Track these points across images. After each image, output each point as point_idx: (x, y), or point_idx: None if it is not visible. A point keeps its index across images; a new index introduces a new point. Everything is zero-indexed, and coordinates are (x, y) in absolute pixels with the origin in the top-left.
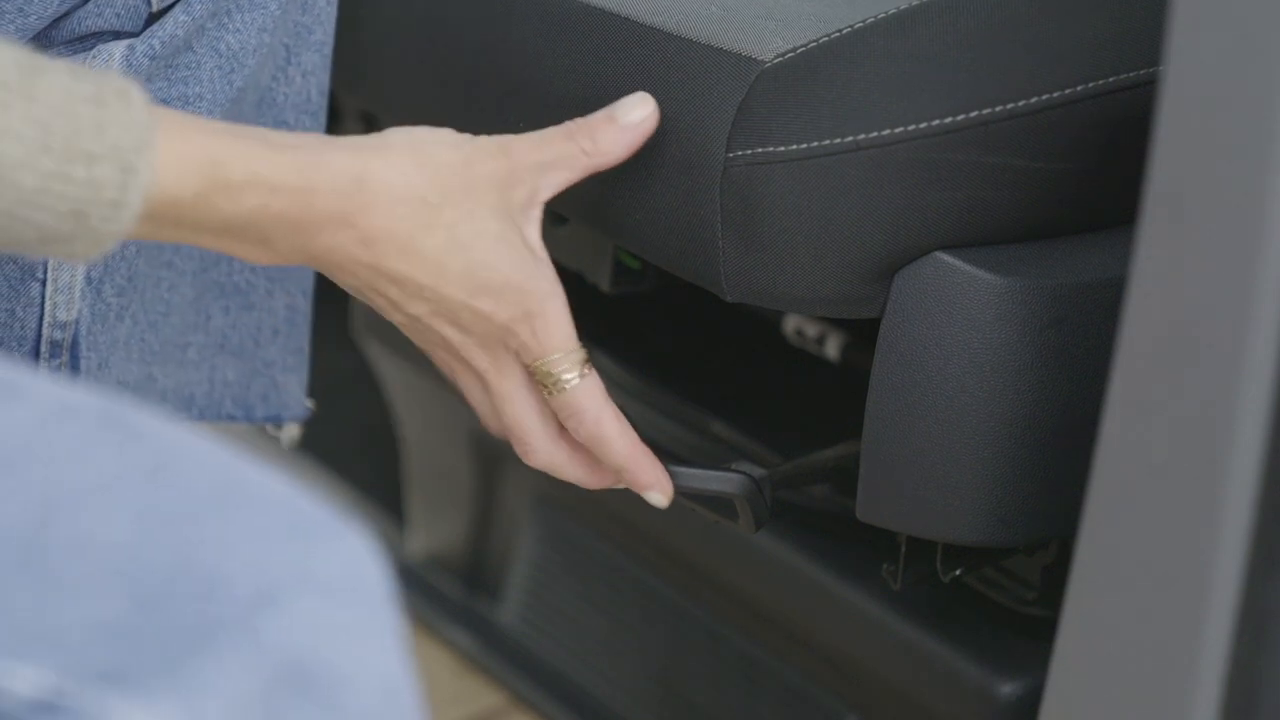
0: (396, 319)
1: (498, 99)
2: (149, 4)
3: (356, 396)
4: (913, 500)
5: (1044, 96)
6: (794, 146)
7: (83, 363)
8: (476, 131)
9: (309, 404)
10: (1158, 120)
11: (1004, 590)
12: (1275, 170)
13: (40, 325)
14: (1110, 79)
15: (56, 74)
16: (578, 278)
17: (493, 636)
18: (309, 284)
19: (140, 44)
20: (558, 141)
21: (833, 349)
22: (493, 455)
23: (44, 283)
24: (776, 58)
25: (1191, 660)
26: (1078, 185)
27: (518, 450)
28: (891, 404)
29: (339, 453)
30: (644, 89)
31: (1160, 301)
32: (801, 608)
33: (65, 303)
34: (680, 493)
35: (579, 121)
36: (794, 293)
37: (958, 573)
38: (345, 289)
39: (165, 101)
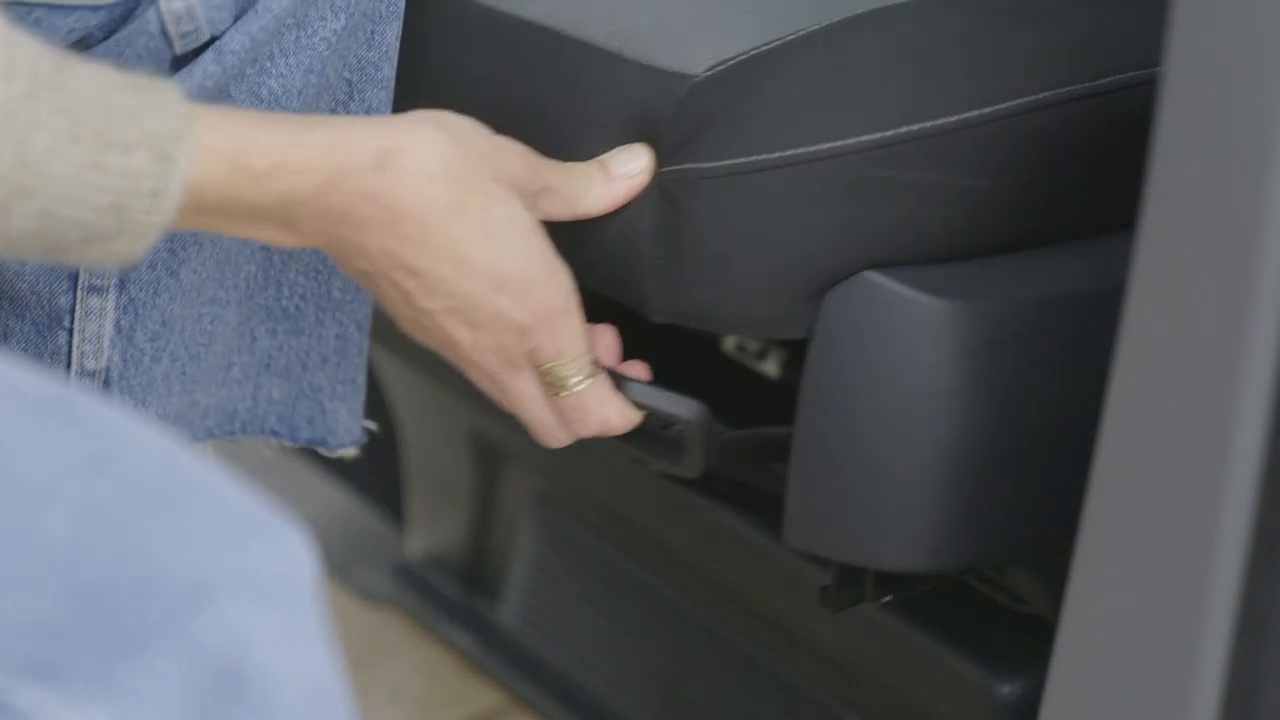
0: (404, 314)
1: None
2: (171, 47)
3: None
4: (841, 526)
5: (975, 112)
6: (722, 163)
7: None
8: None
9: (370, 426)
10: (1158, 122)
11: (1003, 590)
12: (1275, 172)
13: (68, 374)
14: (1044, 94)
15: (90, 66)
16: None
17: (493, 636)
18: (364, 315)
19: None
20: (567, 175)
21: (773, 365)
22: (493, 455)
23: (70, 331)
24: (706, 71)
25: (1191, 660)
26: (1012, 203)
27: (538, 439)
28: (819, 427)
29: None
30: (571, 103)
31: (1160, 301)
32: (801, 608)
33: (93, 352)
34: (638, 408)
35: (575, 165)
36: (722, 313)
37: (888, 599)
38: (354, 277)
39: None
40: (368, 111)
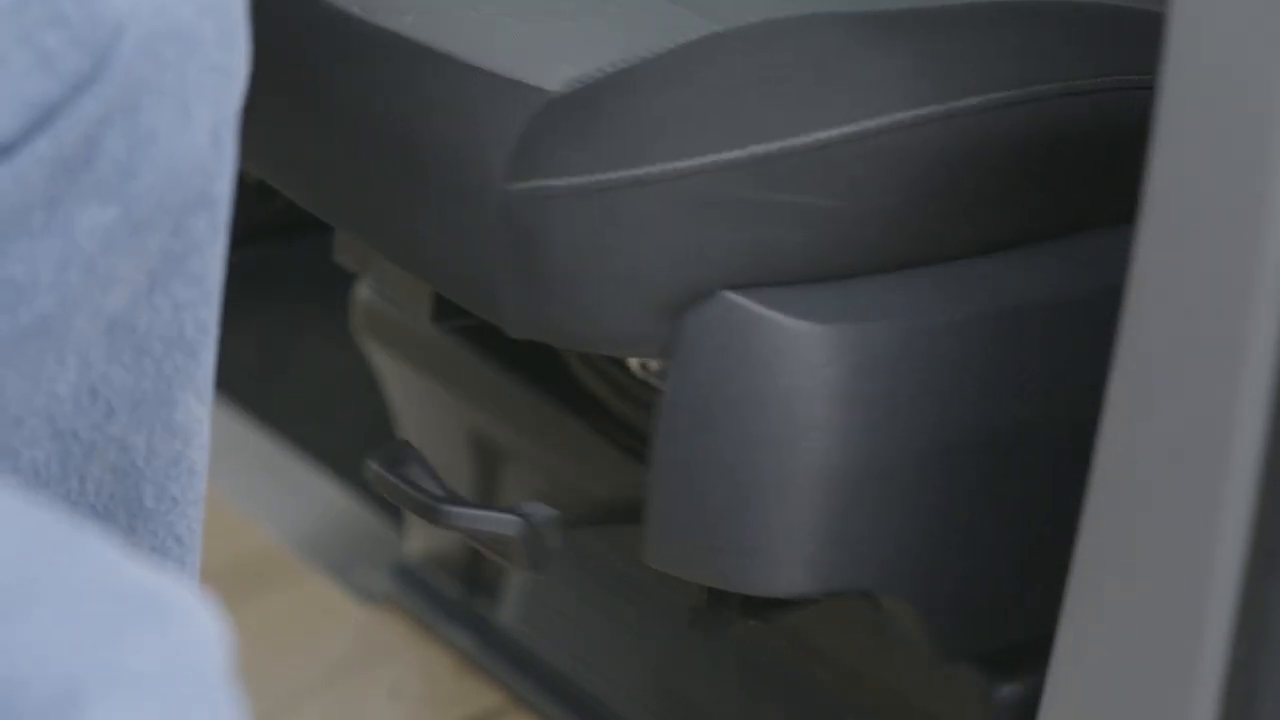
0: None
1: (289, 121)
2: None
3: (356, 396)
4: (704, 549)
5: (830, 133)
6: (575, 179)
7: None
8: (265, 150)
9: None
10: (1156, 125)
11: None
12: (1273, 176)
13: None
14: (902, 114)
15: None
16: (400, 313)
17: (492, 636)
18: (185, 529)
19: None
20: None
21: None
22: (493, 455)
23: None
24: (563, 87)
25: (1191, 660)
26: (874, 224)
27: None
28: (678, 449)
29: (339, 453)
30: (431, 115)
31: (1159, 302)
32: (801, 607)
33: None
34: (459, 532)
35: None
36: (579, 330)
37: (755, 623)
38: None
39: None
40: (175, 306)
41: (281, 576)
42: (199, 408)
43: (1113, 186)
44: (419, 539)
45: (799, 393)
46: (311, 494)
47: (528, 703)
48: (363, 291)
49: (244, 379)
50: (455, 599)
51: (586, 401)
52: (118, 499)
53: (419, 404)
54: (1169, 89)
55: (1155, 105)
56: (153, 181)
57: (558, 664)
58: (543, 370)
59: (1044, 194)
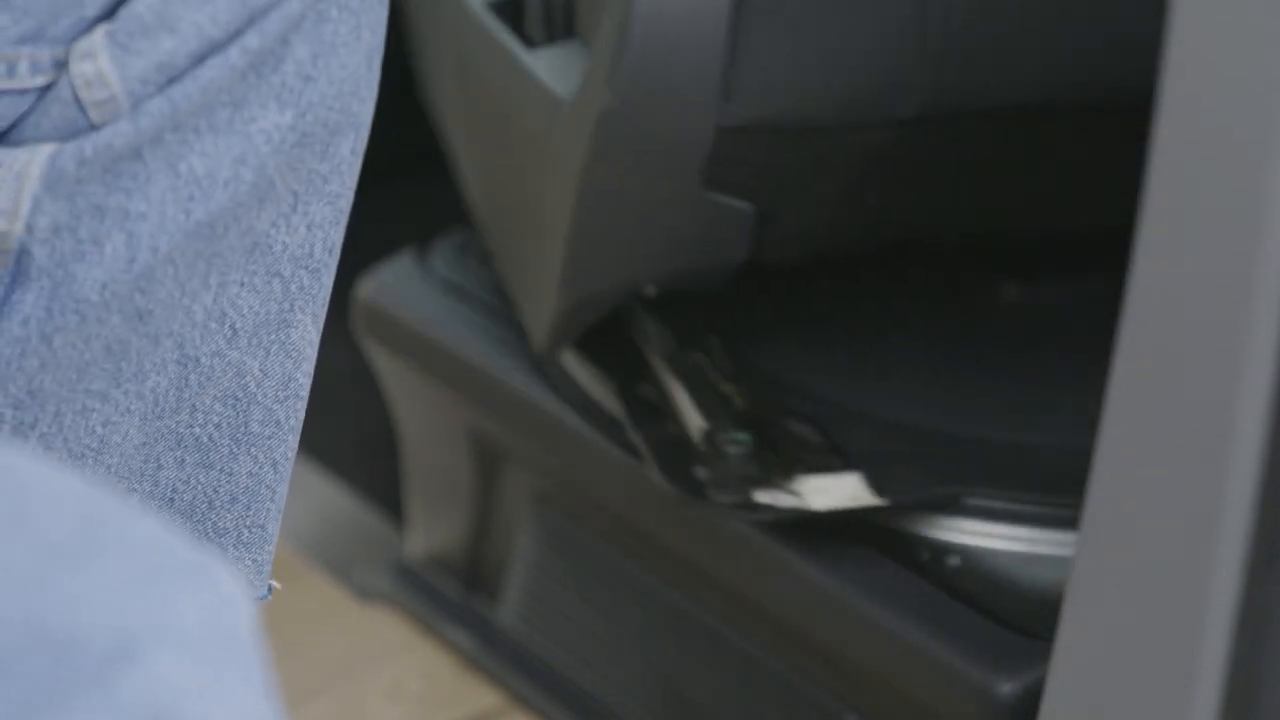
0: None
1: None
2: (87, 116)
3: (356, 396)
4: None
5: None
6: None
7: None
8: None
9: (273, 585)
10: (1156, 125)
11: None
12: (1274, 175)
13: None
14: None
15: None
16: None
17: (492, 636)
18: (281, 454)
19: (70, 147)
20: None
21: None
22: (493, 455)
23: None
24: None
25: (1191, 660)
26: None
27: None
28: None
29: (339, 453)
30: None
31: (1160, 301)
32: (801, 608)
33: None
34: None
35: None
36: None
37: None
38: None
39: (100, 209)
40: (309, 226)
41: (281, 576)
42: (313, 331)
43: None
44: (419, 539)
45: None
46: (311, 494)
47: (527, 703)
48: (363, 291)
49: None
50: (455, 599)
51: (587, 401)
52: (224, 427)
53: (419, 404)
54: (1169, 89)
55: (1156, 105)
56: (325, 91)
57: (558, 664)
58: (543, 370)
59: None
